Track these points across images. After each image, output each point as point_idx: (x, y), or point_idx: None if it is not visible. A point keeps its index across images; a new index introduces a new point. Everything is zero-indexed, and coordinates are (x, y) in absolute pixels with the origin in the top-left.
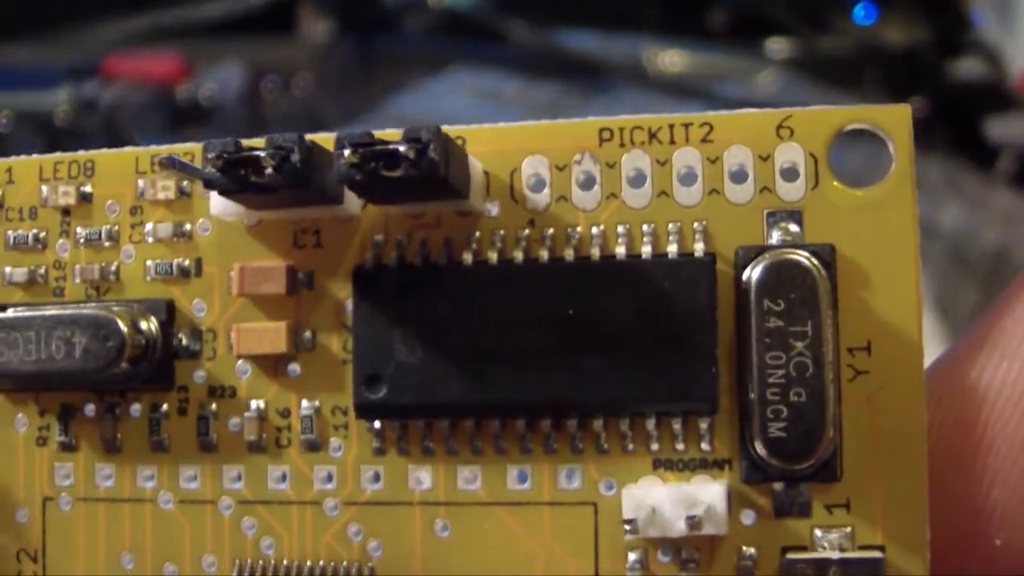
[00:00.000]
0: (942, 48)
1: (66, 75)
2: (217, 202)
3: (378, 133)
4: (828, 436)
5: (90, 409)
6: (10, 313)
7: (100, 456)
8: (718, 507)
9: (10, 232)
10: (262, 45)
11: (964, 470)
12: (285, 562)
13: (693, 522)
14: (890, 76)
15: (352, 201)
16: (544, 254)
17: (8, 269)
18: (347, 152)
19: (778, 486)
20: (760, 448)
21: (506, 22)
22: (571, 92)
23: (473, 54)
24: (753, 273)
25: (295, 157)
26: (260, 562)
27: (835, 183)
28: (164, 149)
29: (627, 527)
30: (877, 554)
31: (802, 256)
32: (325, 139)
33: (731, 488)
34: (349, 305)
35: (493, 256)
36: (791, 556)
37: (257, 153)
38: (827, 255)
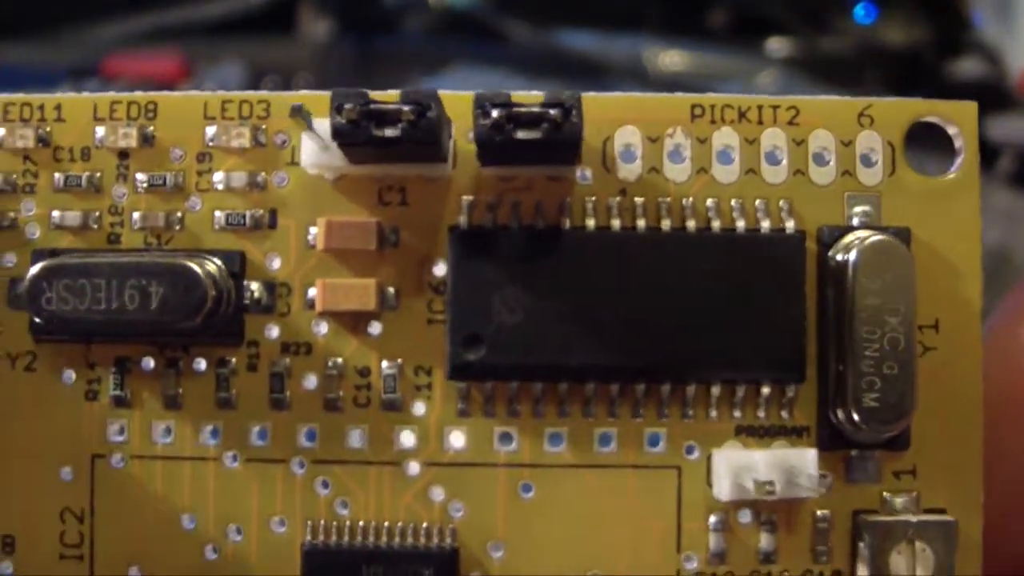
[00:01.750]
0: (942, 48)
1: (66, 75)
2: (310, 152)
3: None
4: (915, 408)
5: (148, 363)
6: (75, 259)
7: (158, 412)
8: (811, 471)
9: (58, 173)
10: (262, 45)
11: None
12: (361, 523)
13: (787, 485)
14: (890, 76)
15: (445, 166)
16: (641, 223)
17: (57, 212)
18: (495, 112)
19: (853, 453)
20: (853, 416)
21: (506, 22)
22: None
23: (473, 53)
24: (851, 254)
25: (432, 113)
26: (334, 523)
27: (910, 171)
28: (234, 96)
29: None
30: (949, 517)
31: (895, 239)
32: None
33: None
34: (437, 265)
35: (590, 223)
36: (863, 518)
37: (396, 107)
38: (905, 238)
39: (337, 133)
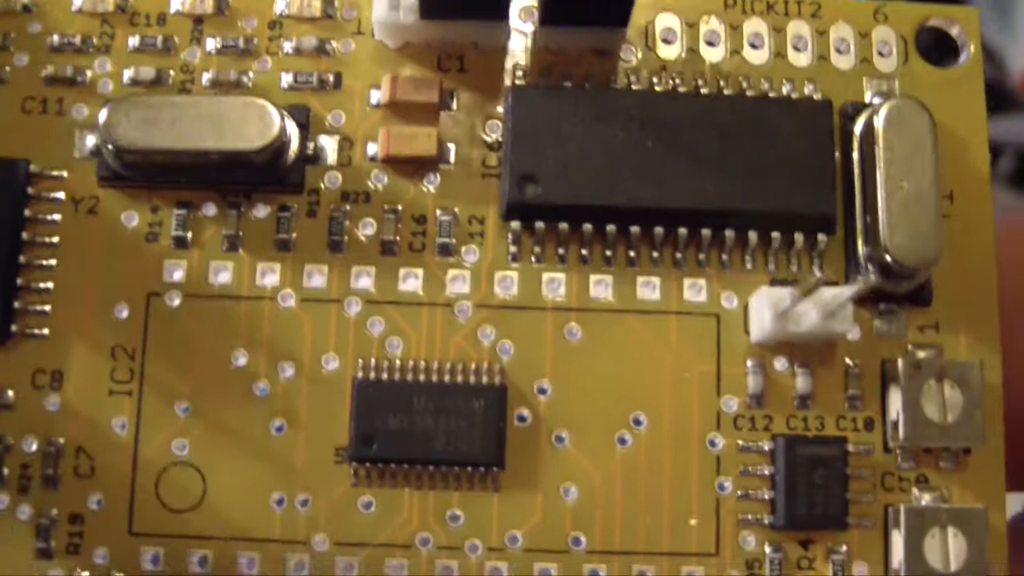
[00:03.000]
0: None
1: None
2: (381, 8)
3: None
4: (941, 247)
5: (210, 208)
6: (155, 97)
7: (217, 253)
8: (847, 306)
9: (132, 37)
10: None
11: None
12: (411, 361)
13: (823, 319)
14: None
15: (505, 27)
16: (682, 91)
17: (129, 71)
18: None
19: (881, 306)
20: (885, 256)
21: None
22: None
23: None
24: (876, 115)
25: None
26: (385, 360)
27: (922, 62)
28: None
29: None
30: (975, 360)
31: (914, 100)
32: None
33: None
34: (492, 124)
35: (637, 87)
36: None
37: None
38: (931, 117)
39: None
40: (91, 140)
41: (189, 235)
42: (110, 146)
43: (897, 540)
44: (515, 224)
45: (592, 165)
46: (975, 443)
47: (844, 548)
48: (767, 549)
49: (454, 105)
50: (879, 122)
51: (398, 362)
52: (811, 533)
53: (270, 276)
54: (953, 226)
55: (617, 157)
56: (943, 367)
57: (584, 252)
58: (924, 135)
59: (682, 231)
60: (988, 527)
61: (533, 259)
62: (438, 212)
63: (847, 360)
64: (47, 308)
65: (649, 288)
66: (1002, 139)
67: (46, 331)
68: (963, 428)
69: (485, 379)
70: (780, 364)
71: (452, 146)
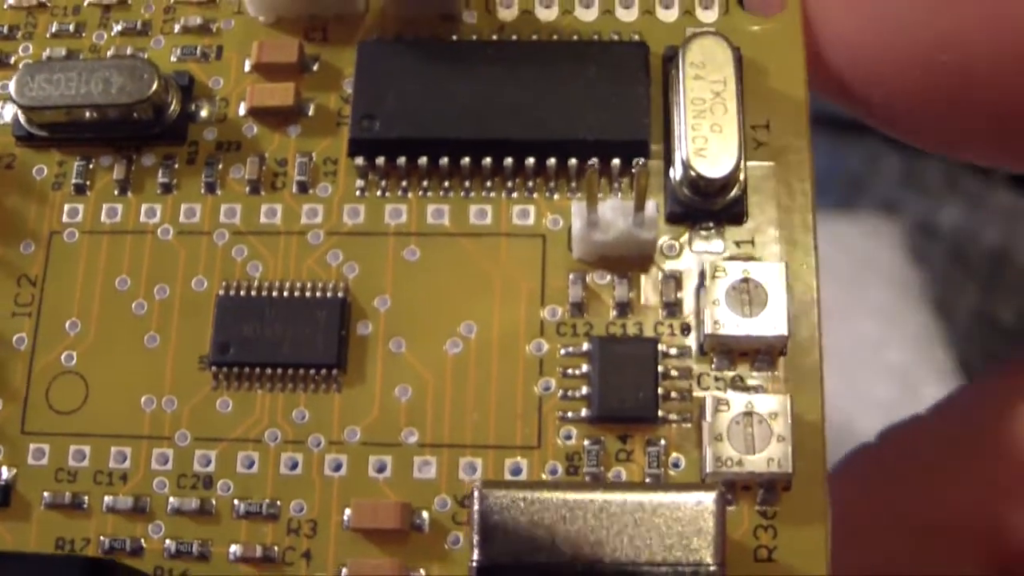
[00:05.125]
0: None
1: None
2: None
3: None
4: (743, 156)
5: (106, 159)
6: (57, 62)
7: (110, 197)
8: (651, 214)
9: (51, 25)
10: None
11: None
12: (268, 282)
13: (632, 224)
14: None
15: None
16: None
17: (47, 51)
18: None
19: (699, 225)
20: (689, 171)
21: None
22: None
23: None
24: (684, 46)
25: None
26: (245, 282)
27: (742, 11)
28: None
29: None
30: (780, 262)
31: (714, 33)
32: None
33: (659, 208)
34: (347, 81)
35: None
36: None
37: None
38: (734, 49)
39: None
40: (11, 109)
41: (88, 182)
42: (18, 106)
43: (706, 430)
44: (359, 160)
45: (426, 105)
46: (778, 336)
47: (662, 442)
48: (586, 442)
49: (315, 68)
50: (683, 52)
51: (256, 283)
52: (628, 428)
53: (153, 215)
54: (769, 152)
55: (450, 97)
56: (748, 268)
57: (425, 184)
58: (725, 63)
59: (508, 161)
60: (795, 417)
61: (379, 192)
62: (297, 156)
63: (664, 270)
64: None
65: (481, 214)
66: None
67: None
68: (766, 322)
69: (329, 294)
70: (600, 277)
71: (311, 103)
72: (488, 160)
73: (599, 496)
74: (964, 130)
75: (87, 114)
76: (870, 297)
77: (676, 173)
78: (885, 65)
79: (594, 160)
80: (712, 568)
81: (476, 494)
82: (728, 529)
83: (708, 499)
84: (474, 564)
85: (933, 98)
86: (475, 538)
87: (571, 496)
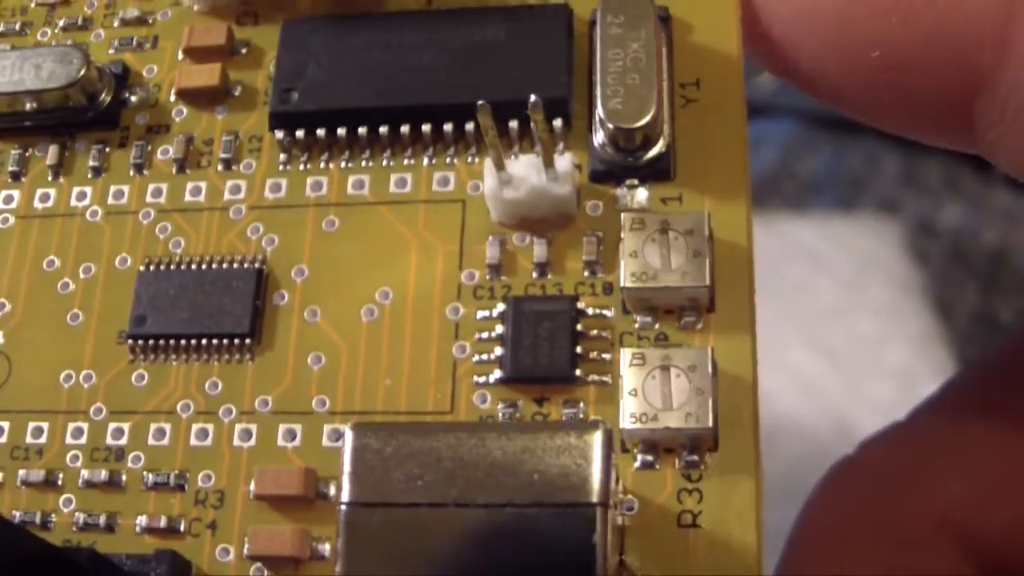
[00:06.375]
0: None
1: None
2: None
3: None
4: (658, 107)
5: (43, 147)
6: None
7: (43, 182)
8: (565, 167)
9: (1, 24)
10: None
11: None
12: (189, 257)
13: (545, 179)
14: None
15: None
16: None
17: None
18: None
19: (624, 182)
20: (603, 120)
21: None
22: None
23: None
24: (602, 3)
25: None
26: (167, 257)
27: None
28: None
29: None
30: (703, 211)
31: None
32: None
33: (576, 163)
34: (275, 61)
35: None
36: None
37: None
38: (662, 11)
39: None
40: None
41: (23, 169)
42: None
43: (621, 386)
44: (280, 134)
45: (344, 76)
46: (698, 287)
47: (581, 404)
48: (500, 405)
49: (243, 51)
50: (603, 6)
51: (178, 258)
52: (545, 389)
53: (83, 198)
54: (700, 109)
55: (368, 67)
56: (667, 219)
57: (347, 155)
58: (643, 16)
59: (427, 128)
60: (721, 372)
61: (301, 166)
62: (224, 135)
63: (586, 230)
64: None
65: (401, 183)
66: None
67: None
68: (686, 273)
69: (247, 265)
70: (520, 239)
71: (238, 84)
72: (406, 128)
73: (479, 435)
74: (885, 101)
75: (27, 104)
76: (870, 297)
77: (596, 130)
78: (807, 31)
79: (515, 122)
80: (595, 504)
81: (348, 434)
82: (650, 493)
83: (591, 435)
84: (342, 506)
85: (849, 64)
86: (344, 478)
87: (449, 436)
